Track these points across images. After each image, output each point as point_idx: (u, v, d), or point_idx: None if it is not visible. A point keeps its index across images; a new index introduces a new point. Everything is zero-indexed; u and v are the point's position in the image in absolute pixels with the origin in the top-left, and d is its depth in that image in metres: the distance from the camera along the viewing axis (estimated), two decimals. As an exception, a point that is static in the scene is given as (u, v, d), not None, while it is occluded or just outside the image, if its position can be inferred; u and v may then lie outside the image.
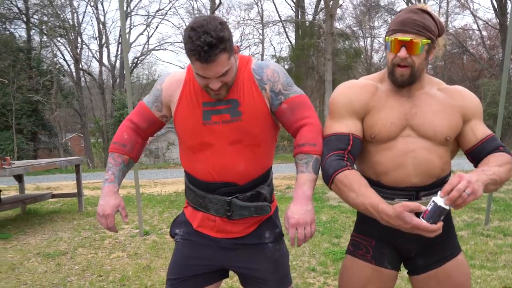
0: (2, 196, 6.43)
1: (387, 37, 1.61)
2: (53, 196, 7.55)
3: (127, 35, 30.04)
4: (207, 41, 1.50)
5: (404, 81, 1.60)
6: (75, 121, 34.91)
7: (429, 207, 1.43)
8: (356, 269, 1.77)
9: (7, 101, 21.32)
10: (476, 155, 1.68)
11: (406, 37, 1.55)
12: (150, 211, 7.07)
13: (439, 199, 1.41)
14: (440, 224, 1.42)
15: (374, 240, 1.77)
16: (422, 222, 1.41)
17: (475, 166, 1.69)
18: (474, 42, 32.55)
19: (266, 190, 1.77)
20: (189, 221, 1.85)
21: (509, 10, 25.27)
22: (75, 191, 7.46)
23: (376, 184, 1.70)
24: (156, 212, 7.00)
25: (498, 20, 26.50)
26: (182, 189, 9.60)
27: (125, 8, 28.64)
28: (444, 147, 1.66)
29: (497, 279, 3.63)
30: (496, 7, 26.22)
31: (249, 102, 1.71)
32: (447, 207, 1.41)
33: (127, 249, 4.95)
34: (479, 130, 1.69)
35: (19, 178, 7.26)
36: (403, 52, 1.55)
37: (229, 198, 1.71)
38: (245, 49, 28.56)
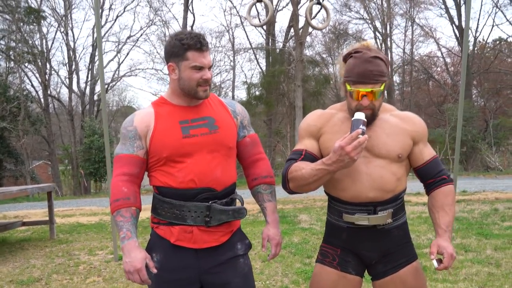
0: (-28, 224, 6.34)
1: (348, 86, 1.82)
2: (23, 224, 7.47)
3: (98, 62, 30.02)
4: (200, 35, 1.87)
5: (369, 119, 1.82)
6: (42, 148, 34.28)
7: (353, 127, 1.71)
8: (324, 275, 1.96)
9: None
10: (422, 173, 1.97)
11: (367, 89, 1.77)
12: (117, 243, 7.08)
13: (357, 114, 1.74)
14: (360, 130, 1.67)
15: (339, 249, 1.96)
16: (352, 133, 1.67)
17: (421, 181, 1.98)
18: (438, 69, 33.91)
19: (238, 197, 1.99)
20: (166, 238, 1.95)
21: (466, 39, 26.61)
22: (44, 218, 7.41)
23: (337, 201, 1.92)
24: (129, 238, 7.02)
25: (460, 48, 27.77)
26: (155, 215, 9.62)
27: (96, 35, 28.74)
28: (397, 164, 1.88)
29: (458, 291, 3.88)
30: (457, 35, 27.55)
31: (223, 120, 1.98)
32: (363, 117, 1.72)
33: (103, 274, 4.99)
34: (425, 152, 1.95)
35: (-12, 206, 7.17)
36: (365, 101, 1.79)
37: (209, 203, 1.88)
38: (216, 75, 28.88)
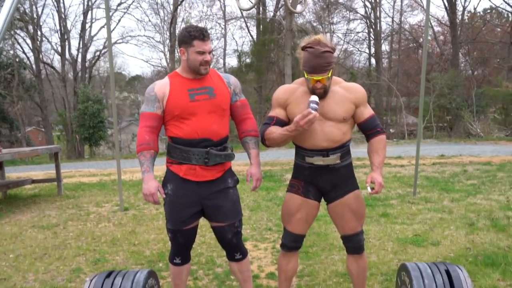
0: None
1: (305, 74, 2.50)
2: (33, 181, 8.19)
3: (89, 30, 30.06)
4: (203, 29, 2.57)
5: (322, 95, 2.53)
6: (35, 114, 34.62)
7: (308, 106, 2.41)
8: (292, 200, 2.70)
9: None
10: (362, 127, 2.67)
11: (319, 77, 2.47)
12: (125, 193, 7.83)
13: (312, 97, 2.43)
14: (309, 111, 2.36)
15: (303, 182, 2.69)
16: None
17: (363, 133, 2.69)
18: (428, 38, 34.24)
19: (229, 146, 2.71)
20: (175, 172, 2.67)
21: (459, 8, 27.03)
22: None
23: (301, 148, 2.65)
24: (131, 194, 7.79)
25: (449, 18, 28.18)
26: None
27: (86, 2, 28.72)
28: (342, 123, 2.59)
29: (411, 230, 4.69)
30: (446, 5, 27.92)
31: (220, 89, 2.68)
32: (316, 99, 2.42)
33: (112, 221, 5.75)
34: (365, 112, 2.65)
35: None
36: (318, 85, 2.50)
37: (207, 149, 2.60)
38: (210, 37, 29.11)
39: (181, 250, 2.76)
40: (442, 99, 23.24)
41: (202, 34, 2.53)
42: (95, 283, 2.42)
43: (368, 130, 2.66)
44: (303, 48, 2.53)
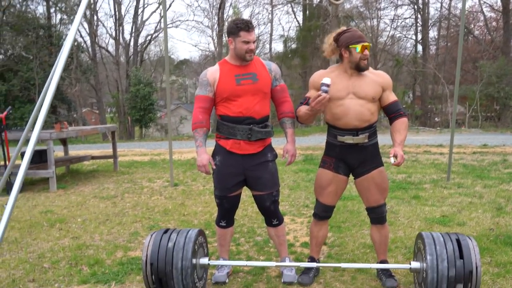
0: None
1: (352, 45, 2.89)
2: (92, 157, 8.95)
3: (141, 15, 31.05)
4: (248, 21, 3.01)
5: (366, 67, 2.95)
6: (90, 95, 36.31)
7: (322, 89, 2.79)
8: (324, 175, 3.11)
9: (30, 76, 22.71)
10: (387, 110, 3.04)
11: (367, 43, 2.88)
12: (174, 171, 8.44)
13: (324, 79, 2.78)
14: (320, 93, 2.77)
15: (334, 158, 3.09)
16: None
17: (387, 115, 3.04)
18: (479, 24, 33.14)
19: (269, 124, 3.14)
20: (223, 146, 3.13)
21: None
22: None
23: (333, 127, 3.03)
24: (180, 172, 8.40)
25: (502, 3, 27.18)
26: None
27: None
28: (371, 104, 2.96)
29: (440, 212, 4.99)
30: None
31: (262, 75, 3.11)
32: (327, 81, 2.77)
33: (163, 194, 6.35)
34: (390, 96, 3.01)
35: (64, 142, 8.66)
36: (366, 52, 2.90)
37: (250, 126, 3.04)
38: (254, 27, 29.55)
39: (226, 214, 3.24)
40: (490, 87, 22.64)
41: (247, 26, 2.96)
42: (155, 237, 2.94)
43: (392, 113, 3.02)
44: (338, 35, 2.98)
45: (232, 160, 3.11)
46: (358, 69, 2.96)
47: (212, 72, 3.10)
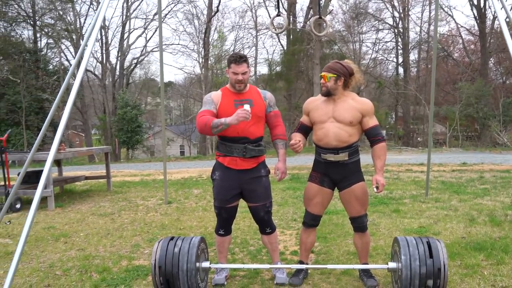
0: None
1: (321, 74, 3.37)
2: (86, 178, 9.23)
3: (126, 40, 31.58)
4: (240, 55, 3.43)
5: (324, 94, 3.39)
6: (75, 118, 36.38)
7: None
8: (311, 188, 3.53)
9: (17, 99, 22.91)
10: (367, 134, 3.45)
11: (324, 74, 3.35)
12: (167, 190, 8.77)
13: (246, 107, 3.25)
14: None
15: (320, 173, 3.51)
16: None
17: (368, 139, 3.45)
18: (459, 46, 34.31)
19: (262, 144, 3.55)
20: (221, 163, 3.51)
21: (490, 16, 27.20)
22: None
23: (318, 147, 3.47)
24: (172, 190, 8.72)
25: (478, 27, 28.36)
26: (187, 176, 11.34)
27: (125, 12, 30.22)
28: (349, 127, 3.38)
29: (418, 223, 5.42)
30: (475, 15, 28.12)
31: (257, 102, 3.52)
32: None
33: (158, 211, 6.68)
34: (369, 121, 3.43)
35: (58, 163, 8.95)
36: (323, 81, 3.35)
37: (245, 144, 3.43)
38: (239, 51, 30.24)
39: (224, 223, 3.62)
40: (469, 108, 23.51)
41: (236, 59, 3.38)
42: (162, 243, 3.31)
43: (371, 136, 3.44)
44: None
45: (229, 175, 3.50)
46: (321, 93, 3.45)
47: (216, 95, 3.52)
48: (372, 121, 3.45)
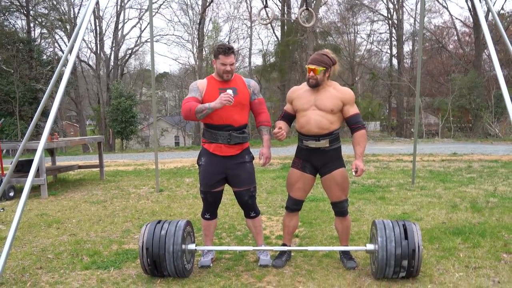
0: (45, 164, 8.18)
1: (306, 66, 3.47)
2: (79, 167, 9.34)
3: (121, 30, 31.49)
4: (228, 46, 3.52)
5: (312, 85, 3.48)
6: (70, 108, 36.39)
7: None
8: (293, 173, 3.66)
9: (10, 89, 22.87)
10: (348, 121, 3.57)
11: (312, 66, 3.43)
12: (159, 179, 8.90)
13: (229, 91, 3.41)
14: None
15: (301, 159, 3.64)
16: None
17: (348, 126, 3.58)
18: (454, 38, 34.39)
19: (246, 132, 3.67)
20: (207, 149, 3.64)
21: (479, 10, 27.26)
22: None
23: (301, 134, 3.59)
24: (164, 179, 8.85)
25: (472, 19, 28.41)
26: (180, 166, 11.46)
27: (119, 2, 30.10)
28: (330, 114, 3.51)
29: (401, 210, 5.58)
30: (469, 6, 28.16)
31: (241, 90, 3.63)
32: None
33: (150, 199, 6.81)
34: (350, 110, 3.55)
35: (51, 152, 9.04)
36: (311, 74, 3.44)
37: (229, 132, 3.56)
38: (233, 42, 30.29)
39: (210, 207, 3.75)
40: (462, 99, 23.70)
41: (225, 51, 3.49)
42: (149, 226, 3.44)
43: (351, 124, 3.56)
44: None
45: (214, 161, 3.63)
46: (308, 85, 3.55)
47: (201, 83, 3.64)
48: (352, 109, 3.57)
